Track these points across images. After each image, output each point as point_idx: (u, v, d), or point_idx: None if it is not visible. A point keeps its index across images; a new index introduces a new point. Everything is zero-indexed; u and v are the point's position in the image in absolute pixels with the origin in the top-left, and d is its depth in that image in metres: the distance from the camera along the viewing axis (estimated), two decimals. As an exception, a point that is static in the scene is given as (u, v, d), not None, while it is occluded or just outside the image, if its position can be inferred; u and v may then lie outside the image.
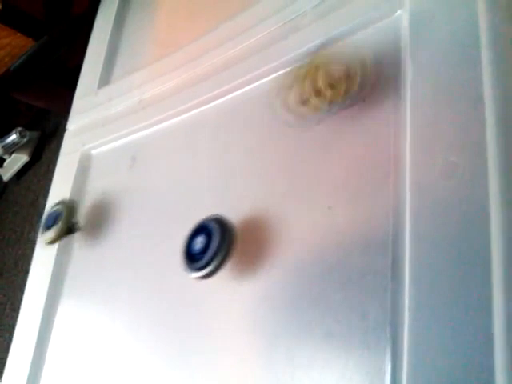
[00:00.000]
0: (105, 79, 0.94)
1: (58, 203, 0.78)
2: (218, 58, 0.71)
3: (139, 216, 0.74)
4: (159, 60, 0.83)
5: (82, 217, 0.83)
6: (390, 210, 0.44)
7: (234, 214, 0.56)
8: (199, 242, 0.54)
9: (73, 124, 0.96)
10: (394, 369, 0.41)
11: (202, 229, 0.55)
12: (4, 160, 1.95)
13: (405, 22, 0.49)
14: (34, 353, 0.77)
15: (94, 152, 0.90)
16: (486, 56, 0.42)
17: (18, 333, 0.82)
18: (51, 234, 0.74)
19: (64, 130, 0.99)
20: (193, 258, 0.53)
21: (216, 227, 0.53)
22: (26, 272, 0.91)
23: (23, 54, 1.18)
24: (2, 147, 1.85)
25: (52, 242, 0.74)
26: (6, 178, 1.97)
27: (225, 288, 0.56)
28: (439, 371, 0.38)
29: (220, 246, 0.51)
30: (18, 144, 1.85)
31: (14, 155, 1.91)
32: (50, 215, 0.77)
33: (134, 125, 0.82)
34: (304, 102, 0.44)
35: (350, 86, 0.42)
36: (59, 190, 0.91)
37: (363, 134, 0.50)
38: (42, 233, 0.75)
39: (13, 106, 1.84)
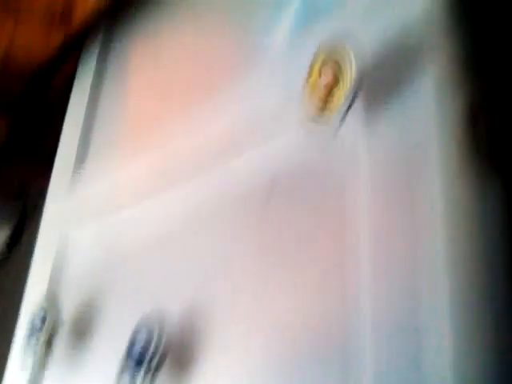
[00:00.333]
0: (80, 161, 0.95)
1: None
2: (186, 146, 0.72)
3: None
4: (131, 144, 0.84)
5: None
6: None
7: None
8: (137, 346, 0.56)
9: (50, 206, 0.96)
10: None
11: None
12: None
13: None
14: None
15: (71, 234, 0.89)
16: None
17: None
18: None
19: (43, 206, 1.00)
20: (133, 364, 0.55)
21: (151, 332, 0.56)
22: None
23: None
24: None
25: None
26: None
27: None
28: None
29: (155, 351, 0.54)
30: (-2, 220, 1.84)
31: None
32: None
33: (108, 207, 0.82)
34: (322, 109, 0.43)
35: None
36: (38, 275, 0.90)
37: (320, 245, 0.51)
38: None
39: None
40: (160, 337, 0.54)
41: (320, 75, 0.43)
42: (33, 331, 0.71)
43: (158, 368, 0.53)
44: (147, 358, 0.53)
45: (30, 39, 0.98)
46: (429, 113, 0.46)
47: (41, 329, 0.70)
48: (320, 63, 0.44)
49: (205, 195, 0.68)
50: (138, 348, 0.55)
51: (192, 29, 0.87)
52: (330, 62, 0.42)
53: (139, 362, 0.54)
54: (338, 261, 0.48)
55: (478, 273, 0.41)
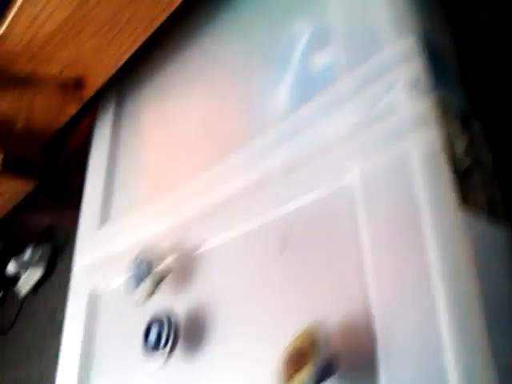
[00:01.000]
0: (104, 217, 1.00)
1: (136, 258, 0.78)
2: (198, 205, 0.76)
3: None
4: (150, 201, 0.89)
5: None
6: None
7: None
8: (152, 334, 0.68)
9: (79, 261, 1.01)
10: None
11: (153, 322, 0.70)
12: (20, 276, 2.01)
13: (355, 186, 0.55)
14: None
15: (101, 290, 0.94)
16: (425, 222, 0.48)
17: None
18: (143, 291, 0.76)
19: (73, 242, 1.05)
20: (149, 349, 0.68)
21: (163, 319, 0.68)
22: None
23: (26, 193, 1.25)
24: (17, 264, 1.92)
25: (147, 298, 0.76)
26: (23, 292, 2.02)
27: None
28: None
29: (168, 334, 0.66)
30: (31, 260, 1.92)
31: (29, 271, 1.97)
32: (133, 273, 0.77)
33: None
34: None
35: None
36: (73, 326, 0.96)
37: (332, 289, 0.55)
38: (129, 293, 0.77)
39: (23, 224, 1.92)
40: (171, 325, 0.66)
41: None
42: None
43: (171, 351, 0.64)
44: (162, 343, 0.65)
45: (48, 107, 1.04)
46: (419, 170, 0.50)
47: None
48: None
49: (219, 251, 0.73)
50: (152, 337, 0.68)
51: (201, 88, 0.92)
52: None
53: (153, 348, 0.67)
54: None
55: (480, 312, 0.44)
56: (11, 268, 1.91)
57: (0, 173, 1.10)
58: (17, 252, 1.90)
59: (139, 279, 0.75)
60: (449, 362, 0.42)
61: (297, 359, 0.47)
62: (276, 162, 0.65)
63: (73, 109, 1.04)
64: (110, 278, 0.92)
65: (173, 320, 0.67)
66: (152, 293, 0.75)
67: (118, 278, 0.90)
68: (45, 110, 1.04)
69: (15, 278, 2.01)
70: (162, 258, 0.76)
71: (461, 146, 0.53)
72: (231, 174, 0.73)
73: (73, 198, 1.61)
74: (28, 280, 1.98)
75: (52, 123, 1.08)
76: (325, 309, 0.56)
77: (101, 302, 0.94)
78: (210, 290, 0.71)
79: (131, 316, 0.85)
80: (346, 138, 0.56)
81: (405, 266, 0.49)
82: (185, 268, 0.76)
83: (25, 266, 1.93)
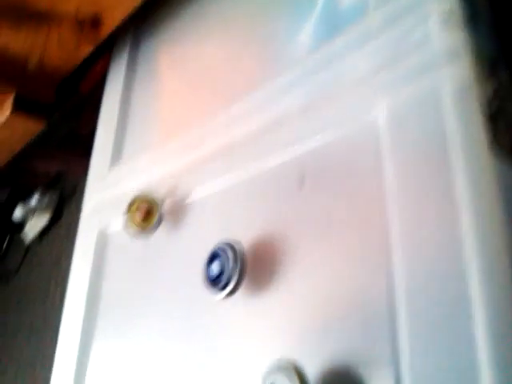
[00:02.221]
0: (116, 159, 0.99)
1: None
2: (215, 145, 0.76)
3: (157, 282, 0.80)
4: (163, 142, 0.89)
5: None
6: (384, 297, 0.49)
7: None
8: (215, 267, 0.61)
9: (88, 203, 1.01)
10: None
11: (215, 255, 0.62)
12: (25, 222, 2.02)
13: (381, 122, 0.54)
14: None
15: (110, 229, 0.95)
16: (453, 159, 0.47)
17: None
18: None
19: (81, 191, 1.05)
20: (212, 283, 0.61)
21: (227, 251, 0.60)
22: (55, 330, 0.96)
23: (37, 133, 1.24)
24: (24, 210, 1.92)
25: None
26: (28, 239, 2.04)
27: (244, 306, 0.62)
28: None
29: (233, 268, 0.59)
30: (38, 206, 1.92)
31: (35, 217, 1.98)
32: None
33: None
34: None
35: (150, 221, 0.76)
36: (80, 267, 0.96)
37: (353, 224, 0.55)
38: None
39: (31, 171, 1.92)
40: (236, 259, 0.59)
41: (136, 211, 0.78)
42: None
43: (234, 290, 0.59)
44: (224, 280, 0.59)
45: (63, 46, 1.02)
46: (451, 107, 0.49)
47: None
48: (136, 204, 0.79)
49: (236, 187, 0.72)
50: (214, 270, 0.61)
51: (219, 29, 0.90)
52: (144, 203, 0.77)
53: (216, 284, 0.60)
54: (369, 246, 0.52)
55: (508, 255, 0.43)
56: (17, 214, 1.91)
57: (11, 112, 1.09)
58: (24, 198, 1.91)
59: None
60: (477, 311, 0.42)
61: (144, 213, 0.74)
62: (298, 100, 0.64)
63: (88, 48, 1.03)
64: (119, 218, 0.92)
65: (238, 253, 0.61)
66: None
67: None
68: (60, 49, 1.03)
69: (21, 225, 2.02)
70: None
71: (489, 89, 0.51)
72: (248, 114, 0.72)
73: (83, 144, 1.61)
74: (34, 227, 1.99)
75: (66, 63, 1.07)
76: (344, 246, 0.56)
77: (110, 241, 0.94)
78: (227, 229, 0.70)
79: (140, 256, 0.86)
80: (374, 73, 0.55)
81: (431, 208, 0.48)
82: (197, 209, 0.76)
83: (31, 213, 1.93)
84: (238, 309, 0.63)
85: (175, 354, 0.71)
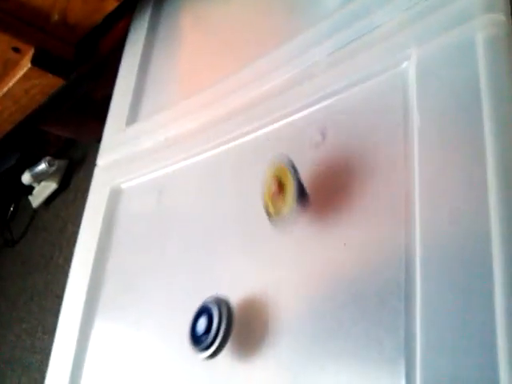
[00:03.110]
0: (132, 117, 0.99)
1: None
2: (239, 100, 0.75)
3: (164, 248, 0.79)
4: (183, 100, 0.88)
5: (113, 249, 0.89)
6: (403, 250, 0.48)
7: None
8: (202, 323, 0.58)
9: (102, 160, 1.01)
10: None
11: (203, 310, 0.59)
12: (33, 188, 2.02)
13: (411, 74, 0.53)
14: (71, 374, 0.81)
15: (123, 186, 0.94)
16: (486, 107, 0.46)
17: (55, 354, 0.86)
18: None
19: (91, 157, 1.04)
20: (197, 340, 0.57)
21: (215, 308, 0.57)
22: (57, 296, 0.96)
23: (54, 91, 1.24)
24: (32, 176, 1.92)
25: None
26: (35, 205, 2.04)
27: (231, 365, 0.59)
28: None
29: (219, 326, 0.56)
30: (46, 172, 1.92)
31: (42, 183, 1.98)
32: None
33: (160, 161, 0.87)
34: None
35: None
36: (90, 224, 0.96)
37: (375, 175, 0.54)
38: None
39: (41, 136, 1.91)
40: (221, 318, 0.56)
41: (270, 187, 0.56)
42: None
43: (220, 348, 0.55)
44: (210, 337, 0.56)
45: (85, 1, 1.02)
46: (484, 57, 0.48)
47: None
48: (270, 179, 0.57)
49: (251, 153, 0.72)
50: (200, 329, 0.57)
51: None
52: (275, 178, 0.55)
53: (201, 340, 0.57)
54: (391, 200, 0.51)
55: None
56: (25, 179, 1.92)
57: (30, 65, 1.09)
58: (32, 164, 1.91)
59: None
60: (497, 271, 0.41)
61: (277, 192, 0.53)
62: (325, 52, 0.63)
63: (111, 5, 1.02)
64: (134, 175, 0.92)
65: (224, 309, 0.57)
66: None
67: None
68: (82, 4, 1.02)
69: (28, 190, 2.02)
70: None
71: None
72: (274, 68, 0.71)
73: (96, 111, 1.61)
74: (41, 193, 2.00)
75: (88, 19, 1.06)
76: (362, 206, 0.55)
77: (122, 197, 0.94)
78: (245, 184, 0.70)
79: (153, 214, 0.86)
80: (406, 23, 0.55)
81: (458, 163, 0.47)
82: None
83: (39, 179, 1.94)
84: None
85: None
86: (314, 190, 0.60)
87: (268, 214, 0.56)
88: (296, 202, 0.53)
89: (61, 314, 0.91)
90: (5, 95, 1.17)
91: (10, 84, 1.14)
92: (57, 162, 1.90)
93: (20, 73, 1.11)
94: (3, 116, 1.26)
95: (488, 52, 0.48)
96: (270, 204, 0.55)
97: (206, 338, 0.56)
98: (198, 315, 0.59)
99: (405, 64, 0.55)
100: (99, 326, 0.83)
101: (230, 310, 0.57)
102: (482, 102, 0.46)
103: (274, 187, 0.55)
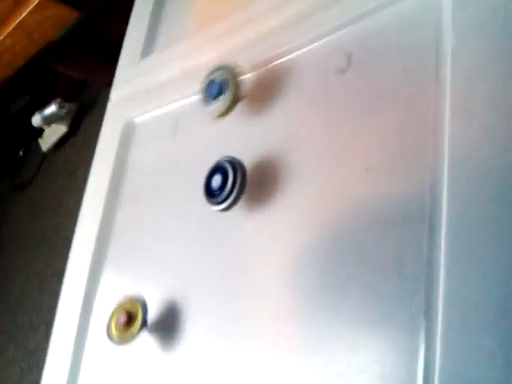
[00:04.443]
0: (147, 49, 0.97)
1: (216, 69, 0.70)
2: (259, 29, 0.72)
3: (176, 182, 0.79)
4: (200, 31, 0.85)
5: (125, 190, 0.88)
6: (428, 170, 0.47)
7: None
8: (216, 180, 0.62)
9: (116, 93, 0.99)
10: (428, 326, 0.43)
11: (217, 168, 0.63)
12: (43, 130, 2.01)
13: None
14: (80, 319, 0.80)
15: (137, 120, 0.93)
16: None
17: (64, 297, 0.86)
18: (220, 104, 0.67)
19: (102, 101, 1.02)
20: (213, 195, 0.62)
21: (229, 166, 0.61)
22: (66, 239, 0.96)
23: (66, 26, 1.21)
24: (42, 118, 1.91)
25: (223, 113, 0.68)
26: (45, 148, 2.03)
27: (243, 219, 0.62)
28: (472, 326, 0.40)
29: (234, 181, 0.59)
30: (57, 115, 1.91)
31: (52, 126, 1.97)
32: (210, 83, 0.70)
33: (176, 93, 0.85)
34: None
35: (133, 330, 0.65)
36: (103, 158, 0.94)
37: (404, 98, 0.52)
38: (206, 104, 0.70)
39: (52, 77, 1.89)
40: (236, 170, 0.60)
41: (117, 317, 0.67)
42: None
43: (236, 199, 0.60)
44: (225, 192, 0.60)
45: None
46: None
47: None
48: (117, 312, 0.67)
49: (272, 82, 0.70)
50: (216, 182, 0.62)
51: None
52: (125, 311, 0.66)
53: (217, 194, 0.61)
54: (419, 121, 0.50)
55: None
56: (35, 122, 1.90)
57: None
58: (43, 106, 1.89)
59: (216, 91, 0.68)
60: None
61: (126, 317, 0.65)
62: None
63: None
64: (148, 109, 0.91)
65: (238, 165, 0.61)
66: (230, 107, 0.67)
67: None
68: None
69: (38, 134, 2.01)
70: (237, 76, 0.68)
71: None
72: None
73: (109, 52, 1.58)
74: (51, 136, 1.98)
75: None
76: (388, 129, 0.53)
77: (135, 133, 0.93)
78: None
79: (168, 148, 0.84)
80: None
81: (491, 84, 0.45)
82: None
83: (49, 121, 1.92)
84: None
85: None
86: (336, 116, 0.58)
87: (109, 334, 0.67)
88: (138, 333, 0.64)
89: (70, 257, 0.90)
90: (17, 27, 1.14)
91: (23, 15, 1.11)
92: (67, 105, 1.88)
93: (33, 3, 1.08)
94: (15, 50, 1.23)
95: None
96: (113, 328, 0.67)
97: (221, 193, 0.60)
98: (212, 173, 0.63)
99: None
100: (109, 268, 0.83)
101: (243, 167, 0.61)
102: None
103: (122, 318, 0.65)
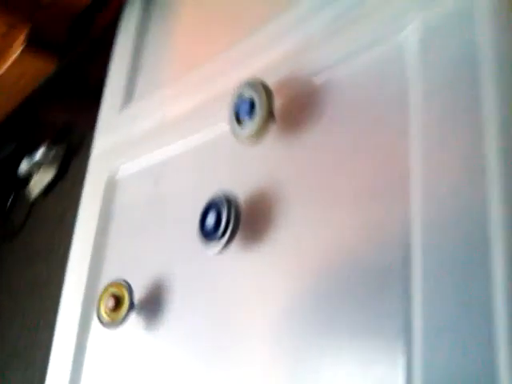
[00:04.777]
0: (128, 99, 0.95)
1: (245, 86, 0.61)
2: (235, 77, 0.71)
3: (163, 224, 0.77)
4: (179, 78, 0.84)
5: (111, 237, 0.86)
6: (401, 222, 0.47)
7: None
8: (211, 218, 0.59)
9: (98, 144, 0.97)
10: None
11: (211, 206, 0.60)
12: (31, 178, 1.99)
13: (411, 43, 0.51)
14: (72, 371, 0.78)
15: (120, 173, 0.91)
16: (488, 77, 0.44)
17: (56, 347, 0.85)
18: (252, 126, 0.59)
19: (88, 143, 1.01)
20: (207, 235, 0.59)
21: (223, 202, 0.58)
22: (58, 286, 0.93)
23: (48, 75, 1.20)
24: (30, 164, 1.89)
25: (255, 135, 0.59)
26: (33, 194, 2.01)
27: (237, 260, 0.61)
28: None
29: (228, 219, 0.57)
30: (46, 157, 1.89)
31: (41, 171, 1.94)
32: (238, 103, 0.61)
33: (158, 143, 0.83)
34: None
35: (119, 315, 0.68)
36: (87, 214, 0.92)
37: (376, 150, 0.52)
38: (234, 126, 0.61)
39: (37, 123, 1.88)
40: (230, 209, 0.57)
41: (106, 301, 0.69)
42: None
43: (230, 240, 0.57)
44: (220, 230, 0.57)
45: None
46: (484, 25, 0.46)
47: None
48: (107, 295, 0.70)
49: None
50: (210, 222, 0.59)
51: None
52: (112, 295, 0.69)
53: (211, 234, 0.58)
54: (390, 176, 0.50)
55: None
56: (23, 168, 1.87)
57: (23, 48, 1.05)
58: (30, 152, 1.86)
59: (246, 113, 0.59)
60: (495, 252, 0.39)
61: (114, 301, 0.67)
62: (321, 24, 0.60)
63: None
64: (130, 160, 0.88)
65: (233, 204, 0.58)
66: (263, 130, 0.58)
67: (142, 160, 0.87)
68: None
69: (26, 180, 1.98)
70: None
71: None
72: (269, 43, 0.68)
73: (91, 95, 1.56)
74: (39, 182, 1.95)
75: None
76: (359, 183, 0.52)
77: (119, 185, 0.90)
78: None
79: (150, 200, 0.82)
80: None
81: (458, 138, 0.45)
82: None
83: (37, 167, 1.89)
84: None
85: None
86: (312, 169, 0.58)
87: (100, 318, 0.70)
88: (127, 314, 0.66)
89: (61, 304, 0.89)
90: (-3, 81, 1.13)
91: (3, 69, 1.10)
92: (54, 149, 1.86)
93: (13, 56, 1.07)
94: (-3, 103, 1.23)
95: (489, 18, 0.45)
96: (104, 315, 0.69)
97: (216, 232, 0.57)
98: (206, 211, 0.60)
99: (404, 33, 0.52)
100: None
101: (237, 204, 0.58)
102: (484, 71, 0.44)
103: (110, 302, 0.68)
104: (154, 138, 0.84)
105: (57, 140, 1.95)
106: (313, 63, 0.61)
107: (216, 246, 0.58)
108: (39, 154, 1.86)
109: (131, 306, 0.67)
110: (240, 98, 0.60)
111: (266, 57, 0.68)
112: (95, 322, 0.79)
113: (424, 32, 0.50)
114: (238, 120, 0.61)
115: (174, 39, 0.94)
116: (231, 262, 0.61)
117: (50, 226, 1.93)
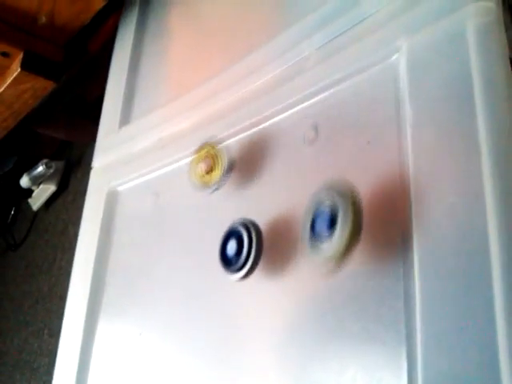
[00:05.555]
0: (125, 118, 0.98)
1: (323, 192, 0.49)
2: (229, 99, 0.74)
3: (166, 245, 0.79)
4: (175, 99, 0.87)
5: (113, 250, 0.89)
6: (400, 248, 0.48)
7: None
8: (231, 246, 0.58)
9: (97, 162, 1.00)
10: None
11: (232, 233, 0.59)
12: (32, 191, 2.02)
13: (402, 66, 0.52)
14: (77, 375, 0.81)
15: (119, 189, 0.94)
16: (479, 97, 0.45)
17: (61, 355, 0.87)
18: (333, 245, 0.46)
19: (88, 157, 1.03)
20: (228, 262, 0.58)
21: (244, 230, 0.57)
22: (61, 298, 0.96)
23: (45, 95, 1.23)
24: (30, 179, 1.92)
25: (339, 257, 0.46)
26: (35, 207, 2.04)
27: (259, 288, 0.60)
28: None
29: (250, 247, 0.55)
30: (44, 175, 1.92)
31: (41, 186, 1.97)
32: (317, 214, 0.49)
33: (156, 162, 0.86)
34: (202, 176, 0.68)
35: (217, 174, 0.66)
36: (89, 228, 0.95)
37: (369, 173, 0.53)
38: (309, 245, 0.49)
39: (37, 138, 1.91)
40: (251, 238, 0.56)
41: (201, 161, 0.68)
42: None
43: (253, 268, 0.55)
44: (242, 259, 0.56)
45: (72, 1, 1.01)
46: (475, 47, 0.47)
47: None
48: (203, 154, 0.68)
49: (246, 151, 0.71)
50: (230, 252, 0.57)
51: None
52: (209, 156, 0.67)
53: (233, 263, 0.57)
54: (385, 196, 0.51)
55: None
56: (24, 183, 1.91)
57: (20, 70, 1.08)
58: (30, 167, 1.90)
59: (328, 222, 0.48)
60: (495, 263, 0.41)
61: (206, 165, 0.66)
62: (312, 47, 0.63)
63: (98, 4, 1.01)
64: (129, 177, 0.91)
65: (253, 232, 0.56)
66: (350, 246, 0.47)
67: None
68: (69, 5, 1.01)
69: (27, 194, 2.02)
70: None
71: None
72: (263, 65, 0.70)
73: (90, 112, 1.60)
74: (40, 196, 1.99)
75: (75, 20, 1.05)
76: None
77: (119, 199, 0.93)
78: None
79: (150, 216, 0.85)
80: (393, 15, 0.54)
81: (452, 157, 0.46)
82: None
83: (37, 181, 1.93)
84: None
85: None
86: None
87: (196, 183, 0.68)
88: (223, 177, 0.65)
89: (65, 316, 0.90)
90: (-3, 101, 1.16)
91: (1, 89, 1.13)
92: (54, 164, 1.89)
93: (10, 78, 1.10)
94: (-4, 121, 1.25)
95: (479, 40, 0.47)
96: (197, 180, 0.68)
97: (238, 260, 0.56)
98: (226, 239, 0.59)
99: (395, 56, 0.54)
100: (103, 326, 0.83)
101: (258, 230, 0.57)
102: (475, 92, 0.45)
103: (203, 166, 0.66)
104: (151, 158, 0.87)
105: (57, 155, 1.99)
106: (306, 86, 0.63)
107: (238, 273, 0.56)
108: (39, 169, 1.89)
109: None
110: (319, 207, 0.49)
111: (261, 78, 0.71)
112: (99, 330, 0.83)
113: (415, 54, 0.52)
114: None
115: (169, 60, 0.97)
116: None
117: (52, 238, 1.96)
